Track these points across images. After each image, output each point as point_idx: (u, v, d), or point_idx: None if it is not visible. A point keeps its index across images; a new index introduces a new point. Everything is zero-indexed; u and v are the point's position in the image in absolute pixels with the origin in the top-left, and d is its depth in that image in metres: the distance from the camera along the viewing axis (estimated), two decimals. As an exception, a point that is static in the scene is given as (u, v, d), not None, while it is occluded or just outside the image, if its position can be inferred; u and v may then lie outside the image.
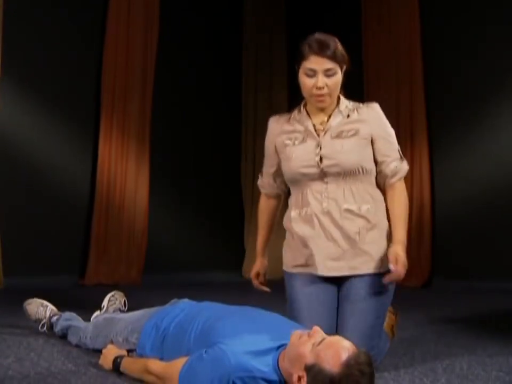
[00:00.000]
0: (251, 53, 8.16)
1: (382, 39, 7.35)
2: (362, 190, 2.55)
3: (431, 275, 6.79)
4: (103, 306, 3.21)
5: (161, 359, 2.29)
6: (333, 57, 2.50)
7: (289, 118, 2.70)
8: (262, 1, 8.19)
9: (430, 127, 7.00)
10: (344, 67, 2.56)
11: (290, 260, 2.66)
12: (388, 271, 2.46)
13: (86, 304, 3.94)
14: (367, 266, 2.52)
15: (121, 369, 2.34)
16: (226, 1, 7.99)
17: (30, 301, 3.23)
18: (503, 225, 6.37)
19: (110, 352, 2.44)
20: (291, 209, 2.66)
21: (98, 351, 2.58)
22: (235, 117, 8.00)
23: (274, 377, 2.00)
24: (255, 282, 2.85)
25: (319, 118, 2.62)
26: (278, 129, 2.70)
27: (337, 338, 1.92)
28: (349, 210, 2.53)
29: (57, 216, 6.40)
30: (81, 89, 6.66)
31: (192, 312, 2.42)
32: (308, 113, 2.65)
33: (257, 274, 2.85)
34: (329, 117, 2.61)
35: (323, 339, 1.91)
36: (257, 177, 2.90)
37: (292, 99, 7.12)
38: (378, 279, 2.50)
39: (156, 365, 2.22)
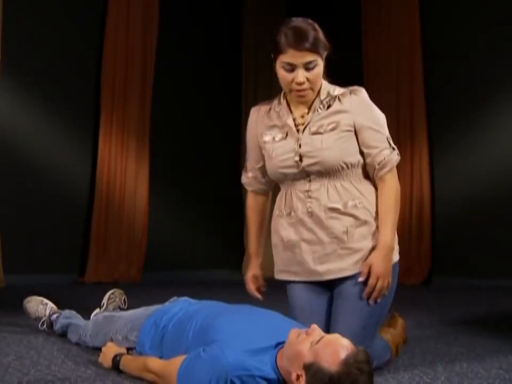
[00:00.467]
0: (251, 53, 8.16)
1: (382, 39, 7.35)
2: (348, 185, 2.39)
3: (431, 273, 6.81)
4: (103, 304, 3.21)
5: (161, 357, 2.29)
6: (313, 49, 2.30)
7: (269, 109, 2.54)
8: (262, 1, 8.19)
9: (430, 126, 7.01)
10: (325, 53, 2.36)
11: (279, 264, 2.54)
12: None
13: (85, 302, 3.95)
14: (358, 266, 2.37)
15: (121, 367, 2.34)
16: (226, 1, 7.99)
17: (29, 298, 3.23)
18: (503, 223, 6.38)
19: (110, 350, 2.44)
20: (276, 209, 2.53)
21: (98, 349, 2.58)
22: (235, 116, 7.99)
23: (272, 375, 2.00)
24: (251, 287, 2.64)
25: (300, 111, 2.46)
26: (259, 122, 2.55)
27: (335, 336, 1.92)
28: (334, 209, 2.37)
29: (57, 215, 6.41)
30: (81, 89, 6.67)
31: (191, 311, 2.42)
32: (288, 105, 2.48)
33: (254, 278, 2.64)
34: (309, 108, 2.44)
35: (321, 337, 1.90)
36: None
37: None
38: None
39: (155, 363, 2.22)
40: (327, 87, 2.44)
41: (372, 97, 2.50)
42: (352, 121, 2.39)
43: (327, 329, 2.37)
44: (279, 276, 2.54)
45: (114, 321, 2.68)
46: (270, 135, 2.50)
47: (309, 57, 2.31)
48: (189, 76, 7.48)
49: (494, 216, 6.44)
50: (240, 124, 8.06)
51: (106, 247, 6.70)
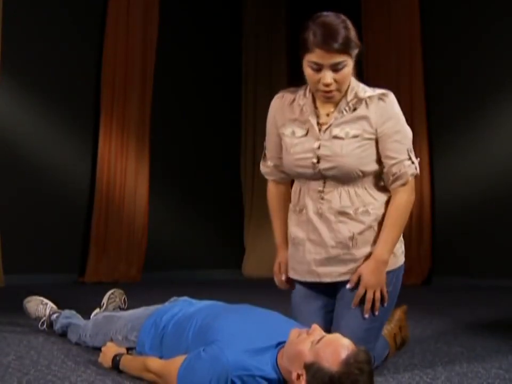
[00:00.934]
0: (251, 52, 8.16)
1: (382, 39, 7.35)
2: (361, 192, 2.35)
3: (430, 273, 6.81)
4: (103, 304, 3.21)
5: (161, 357, 2.29)
6: (342, 50, 2.20)
7: (293, 100, 2.43)
8: (262, 1, 8.19)
9: (430, 126, 7.01)
10: (356, 52, 2.26)
11: (289, 261, 2.52)
12: (389, 271, 2.38)
13: (85, 302, 3.95)
14: None
15: (121, 367, 2.34)
16: (226, 1, 7.99)
17: (29, 298, 3.23)
18: (503, 223, 6.38)
19: (110, 350, 2.44)
20: (291, 203, 2.50)
21: (98, 349, 2.58)
22: (235, 116, 8.00)
23: (273, 375, 2.00)
24: (279, 278, 2.56)
25: (325, 109, 2.37)
26: (280, 112, 2.46)
27: (336, 336, 1.92)
28: (344, 213, 2.34)
29: (57, 215, 6.41)
30: (81, 88, 6.67)
31: (191, 311, 2.42)
32: (313, 100, 2.39)
33: (279, 265, 2.56)
34: (335, 107, 2.35)
35: (322, 337, 1.90)
36: (258, 176, 2.71)
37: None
38: None
39: (154, 363, 2.22)
40: (355, 87, 2.36)
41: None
42: (375, 129, 2.33)
43: (325, 329, 2.34)
44: (289, 274, 2.53)
45: (114, 321, 2.68)
46: (291, 129, 2.42)
47: (338, 58, 2.21)
48: (188, 75, 7.47)
49: (494, 216, 6.44)
50: (240, 124, 8.08)
51: (106, 247, 6.69)
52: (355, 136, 2.32)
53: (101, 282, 6.30)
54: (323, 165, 2.34)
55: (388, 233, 2.35)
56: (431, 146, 6.99)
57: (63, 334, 3.03)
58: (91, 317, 3.04)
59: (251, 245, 7.92)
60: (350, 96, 2.34)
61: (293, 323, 2.24)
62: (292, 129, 2.42)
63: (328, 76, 2.24)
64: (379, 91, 2.37)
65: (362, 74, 7.40)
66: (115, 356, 2.38)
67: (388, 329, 2.60)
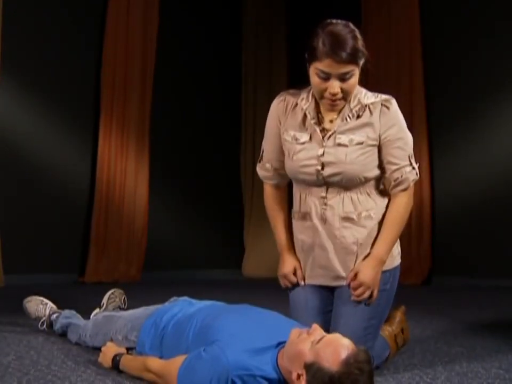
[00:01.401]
0: (251, 52, 8.16)
1: (382, 39, 7.35)
2: (364, 197, 2.38)
3: (430, 273, 6.80)
4: (103, 304, 3.21)
5: (161, 357, 2.29)
6: (350, 60, 2.21)
7: (296, 104, 2.42)
8: (262, 1, 8.19)
9: (429, 126, 7.01)
10: (363, 61, 2.27)
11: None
12: (385, 270, 2.40)
13: (85, 302, 3.95)
14: None
15: (121, 367, 2.34)
16: (226, 1, 7.99)
17: (29, 298, 3.23)
18: (503, 223, 6.39)
19: (110, 350, 2.44)
20: (293, 209, 2.52)
21: (98, 349, 2.58)
22: (235, 116, 8.00)
23: (273, 375, 2.00)
24: (292, 281, 2.49)
25: (329, 116, 2.38)
26: (282, 116, 2.45)
27: (336, 336, 1.92)
28: (348, 219, 2.36)
29: (57, 214, 6.41)
30: (81, 88, 6.67)
31: (191, 311, 2.42)
32: (316, 106, 2.39)
33: (294, 270, 2.49)
34: (338, 114, 2.36)
35: (322, 337, 1.91)
36: (258, 176, 2.64)
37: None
38: None
39: (155, 363, 2.22)
40: (358, 93, 2.36)
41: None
42: (378, 135, 2.34)
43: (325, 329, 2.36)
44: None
45: (114, 321, 2.68)
46: (293, 134, 2.42)
47: (346, 68, 2.22)
48: (188, 75, 7.47)
49: (494, 216, 6.44)
50: (240, 124, 8.08)
51: (106, 247, 6.70)
52: (359, 143, 2.34)
53: (100, 282, 6.30)
54: (327, 172, 2.35)
55: (387, 233, 2.39)
56: (431, 146, 6.99)
57: (63, 334, 3.03)
58: (91, 317, 3.04)
59: (251, 245, 7.92)
60: (353, 103, 2.36)
61: (293, 323, 2.24)
62: (294, 134, 2.41)
63: (335, 85, 2.25)
64: (382, 97, 2.38)
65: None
66: (115, 356, 2.38)
67: (389, 331, 2.61)
